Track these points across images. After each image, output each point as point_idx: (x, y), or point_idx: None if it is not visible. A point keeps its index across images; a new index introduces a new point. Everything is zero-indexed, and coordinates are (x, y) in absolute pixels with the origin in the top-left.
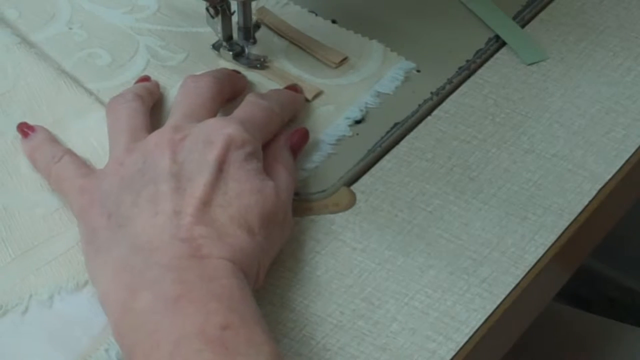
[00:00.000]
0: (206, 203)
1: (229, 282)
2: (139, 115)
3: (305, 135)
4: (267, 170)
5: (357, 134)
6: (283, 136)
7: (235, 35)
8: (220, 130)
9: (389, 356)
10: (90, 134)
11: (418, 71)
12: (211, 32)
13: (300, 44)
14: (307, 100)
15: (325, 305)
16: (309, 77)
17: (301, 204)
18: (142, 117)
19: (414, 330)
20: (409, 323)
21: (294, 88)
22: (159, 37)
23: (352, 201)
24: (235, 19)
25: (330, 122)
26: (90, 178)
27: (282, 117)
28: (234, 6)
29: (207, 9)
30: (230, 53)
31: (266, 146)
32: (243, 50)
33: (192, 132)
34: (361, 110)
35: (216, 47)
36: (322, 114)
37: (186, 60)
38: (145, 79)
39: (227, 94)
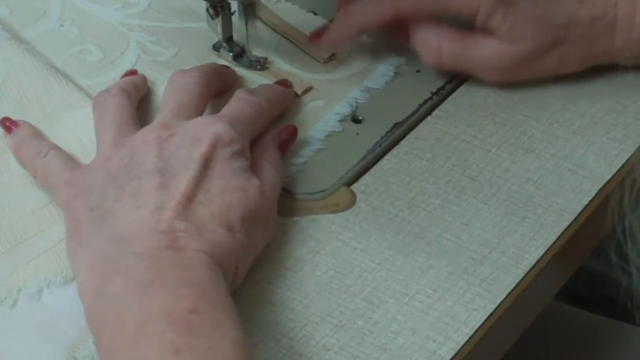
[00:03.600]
0: (189, 199)
1: (203, 272)
2: (125, 109)
3: (293, 132)
4: (254, 167)
5: (357, 134)
6: (271, 133)
7: (234, 35)
8: (208, 128)
9: (389, 356)
10: (80, 130)
11: (418, 71)
12: (202, 27)
13: (291, 38)
14: (296, 95)
15: (325, 305)
16: (298, 73)
17: (301, 203)
18: (128, 111)
19: (414, 330)
20: (409, 323)
21: (283, 83)
22: (149, 33)
23: (352, 201)
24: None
25: (320, 117)
26: (77, 172)
27: (271, 112)
28: (234, 6)
29: (207, 10)
30: (231, 54)
31: (254, 143)
32: (243, 51)
33: (180, 129)
34: (351, 106)
35: (216, 47)
36: (311, 110)
37: (177, 55)
38: (132, 73)
39: (216, 89)
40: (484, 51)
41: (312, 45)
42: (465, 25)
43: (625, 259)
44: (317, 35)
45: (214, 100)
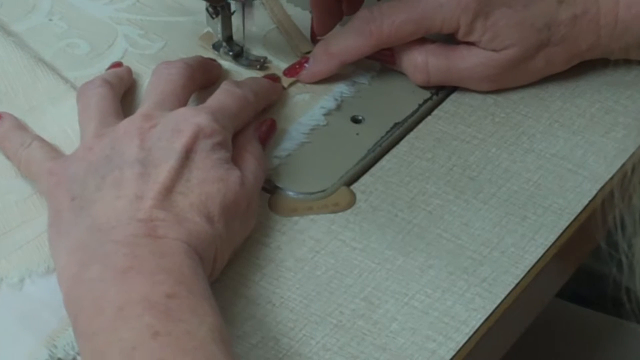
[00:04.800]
0: (168, 189)
1: (181, 259)
2: (108, 100)
3: (273, 125)
4: (236, 159)
5: (357, 134)
6: (252, 126)
7: (234, 35)
8: (190, 119)
9: (389, 356)
10: (65, 122)
11: None
12: (190, 21)
13: (282, 29)
14: (282, 89)
15: (325, 305)
16: (285, 66)
17: (301, 203)
18: (111, 102)
19: (413, 330)
20: (408, 323)
21: (272, 77)
22: (138, 26)
23: (352, 201)
24: (235, 20)
25: (305, 111)
26: (59, 161)
27: (256, 106)
28: (234, 6)
29: (207, 9)
30: (230, 54)
31: (237, 135)
32: (243, 51)
33: (162, 120)
34: (336, 100)
35: (216, 47)
36: (297, 103)
37: (164, 48)
38: (117, 65)
39: (200, 81)
40: (470, 62)
41: (296, 37)
42: (448, 39)
43: (615, 246)
44: (294, 70)
45: (199, 92)
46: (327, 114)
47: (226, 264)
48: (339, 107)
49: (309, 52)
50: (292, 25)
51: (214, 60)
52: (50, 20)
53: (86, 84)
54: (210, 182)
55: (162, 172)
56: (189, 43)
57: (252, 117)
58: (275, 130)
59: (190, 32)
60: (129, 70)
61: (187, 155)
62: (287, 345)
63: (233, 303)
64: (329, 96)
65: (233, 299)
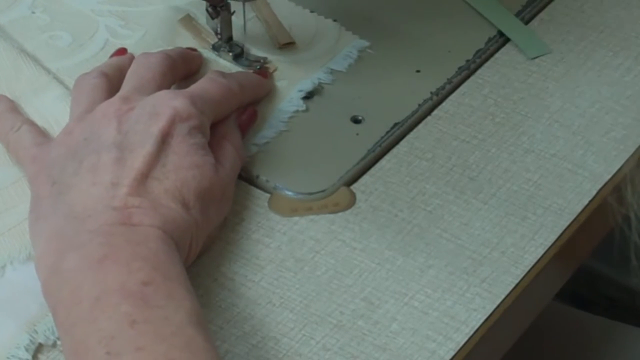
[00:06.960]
0: (144, 175)
1: (157, 246)
2: (99, 91)
3: (253, 115)
4: (214, 146)
5: (357, 134)
6: (233, 114)
7: (234, 35)
8: (168, 102)
9: (389, 356)
10: (48, 112)
11: (417, 71)
12: (170, 9)
13: (261, 17)
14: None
15: (325, 305)
16: (263, 54)
17: (301, 203)
18: (103, 93)
19: (413, 330)
20: (408, 323)
21: (262, 72)
22: (119, 17)
23: (352, 201)
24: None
25: (284, 97)
26: (43, 147)
27: (241, 97)
28: (234, 6)
29: (207, 10)
30: (230, 54)
31: (217, 123)
32: (242, 51)
33: (140, 103)
34: (313, 84)
35: (216, 48)
36: (276, 89)
37: (144, 37)
38: (121, 52)
39: (180, 71)
40: None
41: (275, 27)
42: None
43: (625, 204)
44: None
45: (182, 82)
46: (306, 97)
47: (225, 264)
48: (318, 92)
49: (288, 44)
50: (272, 15)
51: (195, 50)
52: (33, 12)
53: (83, 75)
54: (186, 168)
55: (138, 158)
56: (169, 30)
57: (235, 108)
58: (255, 119)
59: (168, 19)
60: (132, 58)
61: (164, 140)
62: (287, 345)
63: (233, 303)
64: (306, 80)
65: (233, 299)
